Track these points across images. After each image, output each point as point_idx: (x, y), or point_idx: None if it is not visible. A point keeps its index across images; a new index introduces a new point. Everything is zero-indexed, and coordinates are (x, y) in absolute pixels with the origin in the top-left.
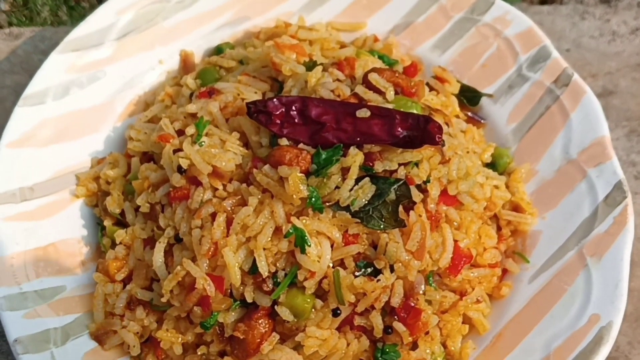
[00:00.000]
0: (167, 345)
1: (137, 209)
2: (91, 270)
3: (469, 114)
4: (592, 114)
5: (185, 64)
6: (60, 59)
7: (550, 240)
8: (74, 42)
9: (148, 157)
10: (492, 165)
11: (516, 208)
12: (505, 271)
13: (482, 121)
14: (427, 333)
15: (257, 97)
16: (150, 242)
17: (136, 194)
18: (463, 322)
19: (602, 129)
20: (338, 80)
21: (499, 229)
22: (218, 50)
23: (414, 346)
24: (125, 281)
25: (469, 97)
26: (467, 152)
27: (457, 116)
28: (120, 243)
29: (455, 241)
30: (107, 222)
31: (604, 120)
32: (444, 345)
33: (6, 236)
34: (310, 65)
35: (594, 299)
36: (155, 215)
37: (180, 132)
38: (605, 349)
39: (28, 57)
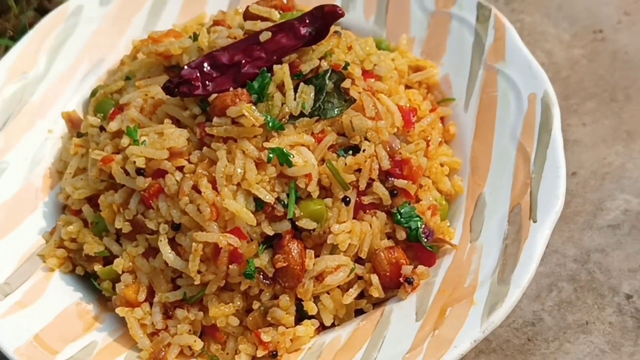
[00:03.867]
0: (223, 322)
1: (117, 239)
2: (108, 319)
3: None
4: None
5: (73, 124)
6: None
7: (457, 74)
8: None
9: (94, 202)
10: None
11: (416, 70)
12: (442, 119)
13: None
14: (421, 186)
15: None
16: (150, 253)
17: (108, 223)
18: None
19: None
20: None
21: None
22: (94, 94)
23: (417, 200)
24: (149, 299)
25: None
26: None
27: None
28: (123, 272)
29: (395, 104)
30: (97, 267)
31: None
32: (438, 190)
33: (12, 329)
34: (194, 37)
35: (520, 85)
36: (139, 228)
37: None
38: (556, 111)
39: None
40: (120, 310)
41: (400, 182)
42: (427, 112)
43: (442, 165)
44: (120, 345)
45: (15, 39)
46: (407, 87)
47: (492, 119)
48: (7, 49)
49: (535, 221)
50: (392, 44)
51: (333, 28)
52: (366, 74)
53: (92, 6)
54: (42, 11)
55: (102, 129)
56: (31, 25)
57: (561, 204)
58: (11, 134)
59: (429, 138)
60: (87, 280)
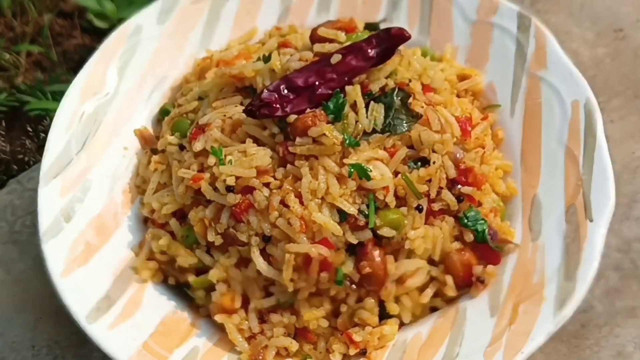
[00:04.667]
0: (315, 324)
1: (207, 251)
2: (204, 325)
3: None
4: None
5: (145, 141)
6: (48, 189)
7: (501, 82)
8: (49, 171)
9: (177, 216)
10: None
11: (462, 79)
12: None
13: None
14: (481, 191)
15: (241, 108)
16: (242, 264)
17: (200, 237)
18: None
19: None
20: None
21: None
22: (164, 112)
23: (480, 204)
24: (244, 306)
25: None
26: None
27: None
28: (218, 281)
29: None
30: (190, 278)
31: None
32: (495, 193)
33: (122, 338)
34: (265, 59)
35: (563, 93)
36: (230, 241)
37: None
38: (599, 116)
39: None
40: (219, 317)
41: (466, 189)
42: (479, 120)
43: (496, 169)
44: (219, 349)
45: (35, 42)
46: (457, 96)
47: (539, 125)
48: (29, 54)
49: (591, 220)
50: (436, 54)
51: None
52: (424, 88)
53: (150, 25)
54: (60, 14)
55: (181, 147)
56: (51, 28)
57: (613, 203)
58: (92, 152)
59: (483, 145)
60: (178, 290)
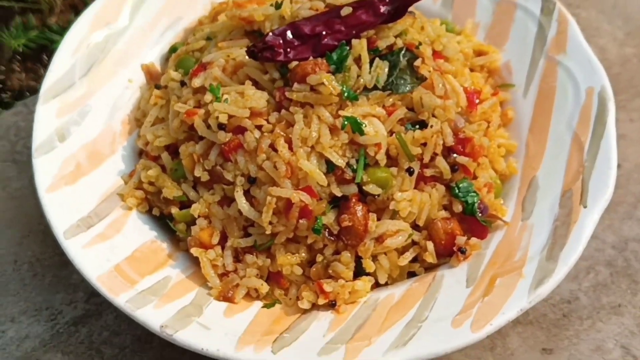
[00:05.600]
0: (289, 270)
1: (194, 186)
2: (180, 257)
3: None
4: None
5: (151, 76)
6: (47, 107)
7: (519, 62)
8: (49, 91)
9: (171, 150)
10: None
11: (479, 54)
12: (501, 103)
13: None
14: (479, 164)
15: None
16: (225, 202)
17: (187, 171)
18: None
19: None
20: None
21: None
22: (173, 50)
23: (475, 177)
24: (221, 243)
25: None
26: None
27: None
28: (199, 216)
29: (461, 85)
30: (174, 210)
31: None
32: (494, 170)
33: (96, 257)
34: (277, 5)
35: (579, 78)
36: (217, 178)
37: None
38: (612, 105)
39: None
40: (194, 251)
41: (461, 159)
42: (488, 95)
43: (499, 146)
44: (191, 282)
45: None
46: (471, 70)
47: (550, 108)
48: (53, 43)
49: (585, 206)
50: (457, 27)
51: (410, 8)
52: (435, 54)
53: None
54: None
55: (182, 83)
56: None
57: (611, 192)
58: (95, 80)
59: (489, 120)
60: (162, 221)
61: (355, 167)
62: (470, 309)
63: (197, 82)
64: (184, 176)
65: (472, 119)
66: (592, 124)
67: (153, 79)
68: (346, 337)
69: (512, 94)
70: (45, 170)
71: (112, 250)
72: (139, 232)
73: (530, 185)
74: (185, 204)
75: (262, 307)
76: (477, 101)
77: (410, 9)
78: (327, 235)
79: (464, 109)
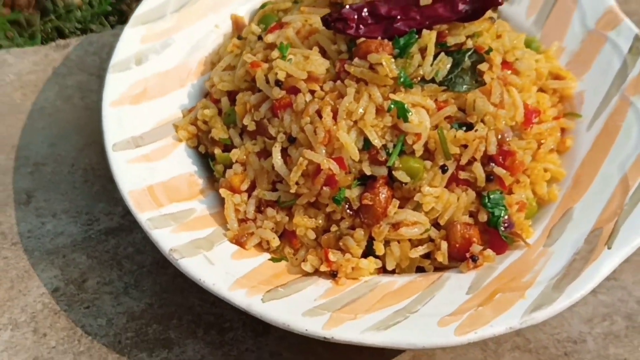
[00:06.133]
0: (302, 232)
1: (241, 133)
2: (211, 195)
3: None
4: None
5: (237, 26)
6: (133, 31)
7: (593, 95)
8: (140, 17)
9: (233, 96)
10: None
11: (556, 78)
12: (563, 130)
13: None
14: (518, 182)
15: None
16: (263, 154)
17: (238, 118)
18: None
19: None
20: None
21: None
22: (263, 7)
23: (510, 192)
24: (249, 191)
25: None
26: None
27: None
28: (236, 162)
29: (523, 101)
30: (216, 151)
31: None
32: (533, 192)
33: (135, 174)
34: None
35: None
36: (262, 130)
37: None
38: None
39: (81, 59)
40: (222, 191)
41: (499, 170)
42: (549, 119)
43: (545, 170)
44: (212, 219)
45: None
46: (542, 90)
47: (609, 146)
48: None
49: (609, 248)
50: (542, 47)
51: (489, 13)
52: (505, 64)
53: None
54: None
55: (259, 38)
56: None
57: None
58: (184, 17)
59: (542, 141)
60: (205, 159)
61: (390, 150)
62: (461, 314)
63: (270, 37)
64: (235, 122)
65: (524, 136)
66: None
67: (238, 29)
68: (335, 307)
69: (577, 124)
70: (115, 85)
71: (152, 172)
72: (181, 163)
73: (564, 215)
74: (228, 147)
75: (269, 259)
76: (535, 120)
77: (494, 15)
78: (346, 208)
79: (518, 124)
